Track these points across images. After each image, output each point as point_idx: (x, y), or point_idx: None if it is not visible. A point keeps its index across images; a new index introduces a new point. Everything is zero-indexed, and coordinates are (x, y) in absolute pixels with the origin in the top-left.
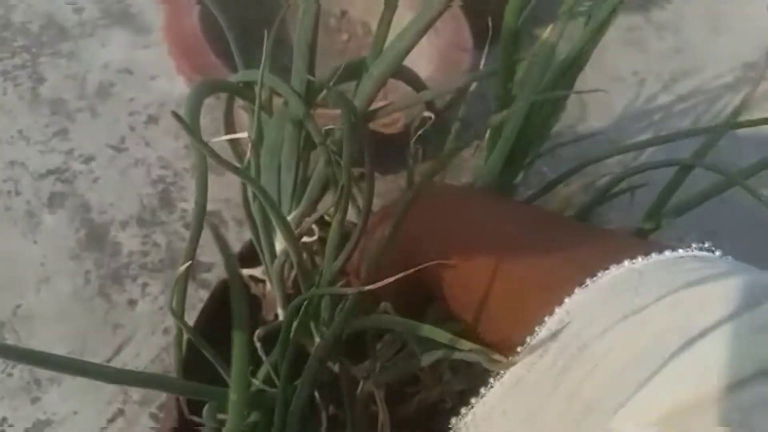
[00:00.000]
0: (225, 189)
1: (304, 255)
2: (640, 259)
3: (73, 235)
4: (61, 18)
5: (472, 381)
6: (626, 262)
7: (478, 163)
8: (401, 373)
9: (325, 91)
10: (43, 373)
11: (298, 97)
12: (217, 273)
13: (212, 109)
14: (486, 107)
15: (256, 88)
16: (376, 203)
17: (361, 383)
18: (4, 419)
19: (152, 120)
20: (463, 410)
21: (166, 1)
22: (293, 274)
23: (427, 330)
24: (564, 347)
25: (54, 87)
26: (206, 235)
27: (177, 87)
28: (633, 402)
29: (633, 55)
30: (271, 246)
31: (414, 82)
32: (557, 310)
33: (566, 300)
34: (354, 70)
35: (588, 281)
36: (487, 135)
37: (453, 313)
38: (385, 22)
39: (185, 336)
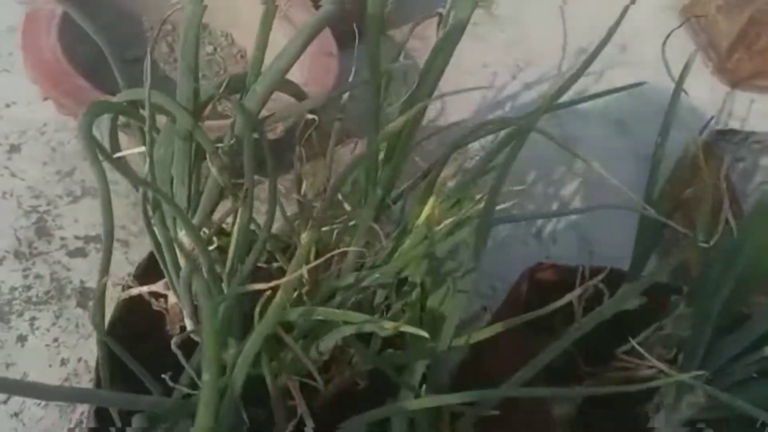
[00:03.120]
0: None
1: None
2: None
3: None
4: None
5: (378, 360)
6: None
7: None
8: (311, 361)
9: (211, 105)
10: None
11: (186, 112)
12: None
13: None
14: (359, 107)
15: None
16: (258, 206)
17: (276, 378)
18: None
19: (15, 149)
20: None
21: (24, 28)
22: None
23: None
24: None
25: None
26: (94, 262)
27: (39, 113)
28: None
29: (480, 47)
30: (175, 259)
31: (296, 93)
32: None
33: None
34: (235, 85)
35: None
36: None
37: None
38: (262, 42)
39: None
